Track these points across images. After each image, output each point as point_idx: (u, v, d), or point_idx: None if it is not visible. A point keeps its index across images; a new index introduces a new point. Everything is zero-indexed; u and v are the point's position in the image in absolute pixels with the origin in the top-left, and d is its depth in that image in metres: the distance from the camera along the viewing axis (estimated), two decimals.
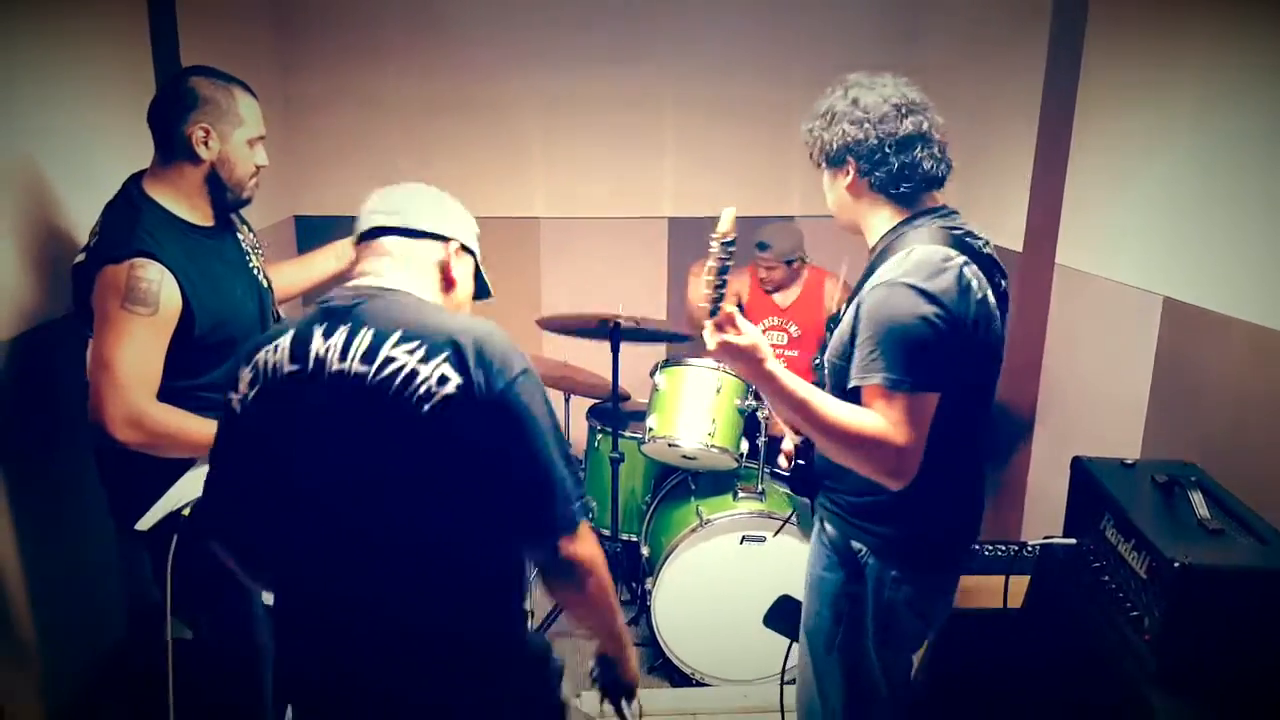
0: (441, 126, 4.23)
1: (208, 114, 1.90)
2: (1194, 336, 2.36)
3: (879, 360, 1.56)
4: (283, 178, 4.08)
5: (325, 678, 1.44)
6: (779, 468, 2.02)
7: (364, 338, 1.33)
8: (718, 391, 2.95)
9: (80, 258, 1.93)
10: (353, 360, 1.32)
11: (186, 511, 1.88)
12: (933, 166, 1.69)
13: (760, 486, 2.97)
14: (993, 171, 3.47)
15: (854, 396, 1.63)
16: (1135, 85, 2.63)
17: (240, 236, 2.12)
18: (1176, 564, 1.68)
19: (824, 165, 1.77)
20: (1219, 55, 2.28)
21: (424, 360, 1.30)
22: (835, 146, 1.70)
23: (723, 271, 1.51)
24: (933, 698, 2.09)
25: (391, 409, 1.29)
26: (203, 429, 1.87)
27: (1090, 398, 2.89)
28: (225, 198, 1.99)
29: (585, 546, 1.39)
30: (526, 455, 1.33)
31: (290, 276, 2.40)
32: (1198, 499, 1.91)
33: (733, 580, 2.86)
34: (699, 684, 2.96)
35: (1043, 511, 3.13)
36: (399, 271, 1.45)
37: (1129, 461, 2.15)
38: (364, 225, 1.50)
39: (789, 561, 2.80)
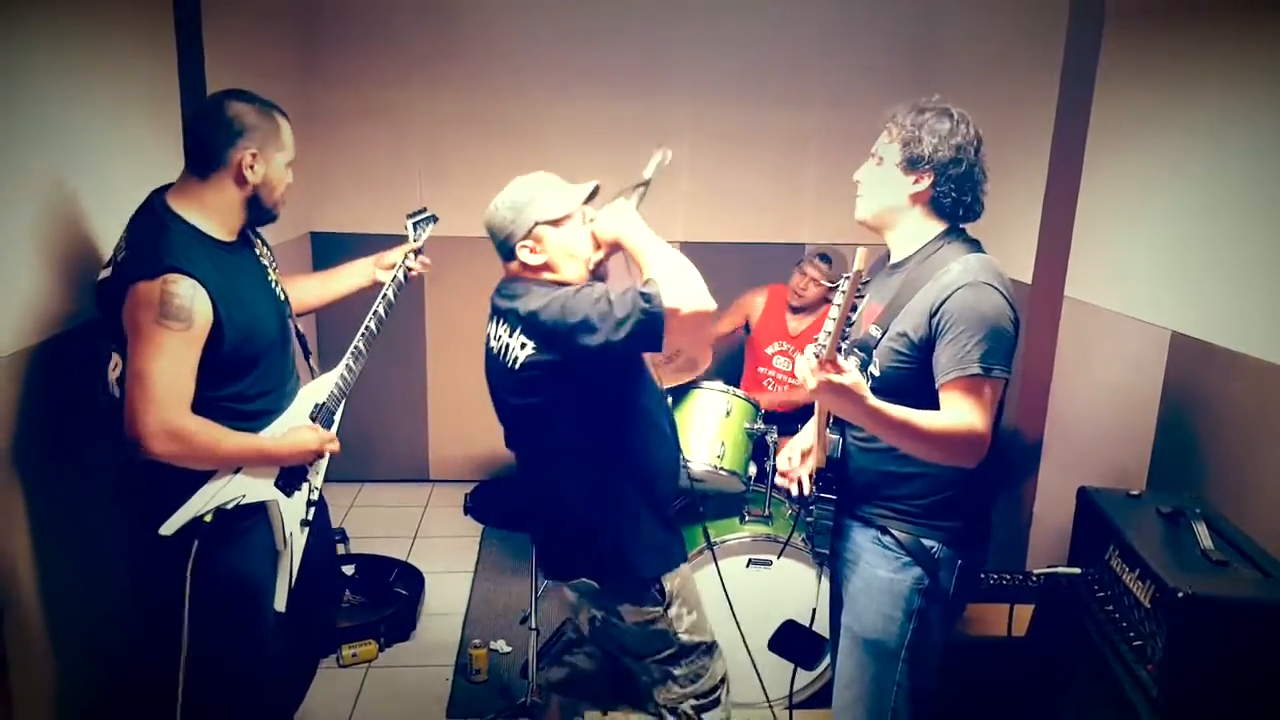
0: (460, 146, 4.29)
1: (256, 140, 1.97)
2: (1201, 371, 2.39)
3: (975, 350, 1.72)
4: (299, 193, 4.11)
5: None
6: (797, 493, 2.04)
7: (496, 327, 2.02)
8: (727, 414, 2.97)
9: (105, 274, 1.96)
10: (494, 341, 2.02)
11: (209, 518, 1.92)
12: (979, 204, 1.90)
13: (768, 510, 2.98)
14: (1003, 204, 3.48)
15: (915, 394, 1.76)
16: (1146, 121, 2.67)
17: (258, 251, 2.17)
18: (1180, 594, 1.70)
19: (898, 163, 1.85)
20: (1232, 91, 2.32)
21: (510, 334, 1.95)
22: (928, 155, 1.81)
23: (853, 310, 1.63)
24: None
25: (502, 370, 1.97)
26: (234, 442, 1.94)
27: (1097, 429, 2.91)
28: (260, 217, 2.07)
29: (684, 308, 1.82)
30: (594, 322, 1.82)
31: (313, 291, 2.44)
32: (1202, 530, 1.93)
33: (738, 604, 2.86)
34: None
35: (1048, 541, 3.14)
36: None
37: (1134, 493, 2.16)
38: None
39: (795, 586, 2.81)
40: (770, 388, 3.67)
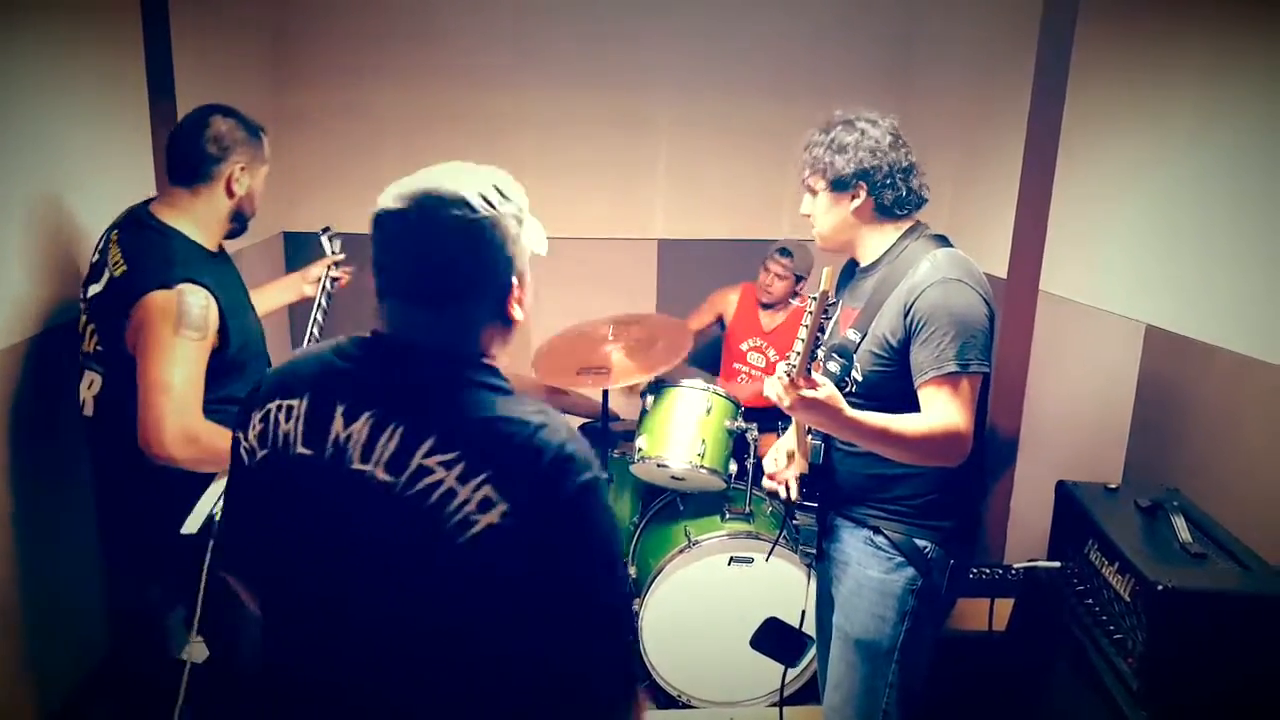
0: (433, 143, 4.25)
1: (243, 156, 2.06)
2: (1176, 364, 2.41)
3: (949, 348, 1.73)
4: (272, 193, 4.03)
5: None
6: (783, 498, 2.04)
7: (391, 437, 1.08)
8: (707, 412, 2.97)
9: (97, 288, 1.99)
10: (377, 465, 1.08)
11: (219, 515, 1.94)
12: (922, 189, 1.93)
13: (748, 508, 2.98)
14: (978, 198, 3.52)
15: (900, 395, 1.79)
16: (1120, 114, 2.69)
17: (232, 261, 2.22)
18: (1160, 587, 1.71)
19: (827, 189, 1.88)
20: (1206, 84, 2.34)
21: (461, 479, 1.05)
22: (849, 172, 1.84)
23: (820, 330, 1.61)
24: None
25: (422, 529, 1.06)
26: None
27: (1073, 423, 2.93)
28: (240, 228, 2.15)
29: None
30: (571, 596, 1.09)
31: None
32: (1180, 523, 1.95)
33: (720, 602, 2.87)
34: (685, 706, 2.96)
35: (1026, 535, 3.16)
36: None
37: (1112, 486, 2.18)
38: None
39: (777, 583, 2.81)
40: (744, 382, 3.67)
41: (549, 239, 1.34)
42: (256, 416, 1.18)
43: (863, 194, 1.86)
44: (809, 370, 1.63)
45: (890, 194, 1.86)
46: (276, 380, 1.20)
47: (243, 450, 1.20)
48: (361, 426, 1.10)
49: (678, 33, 4.20)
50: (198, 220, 2.05)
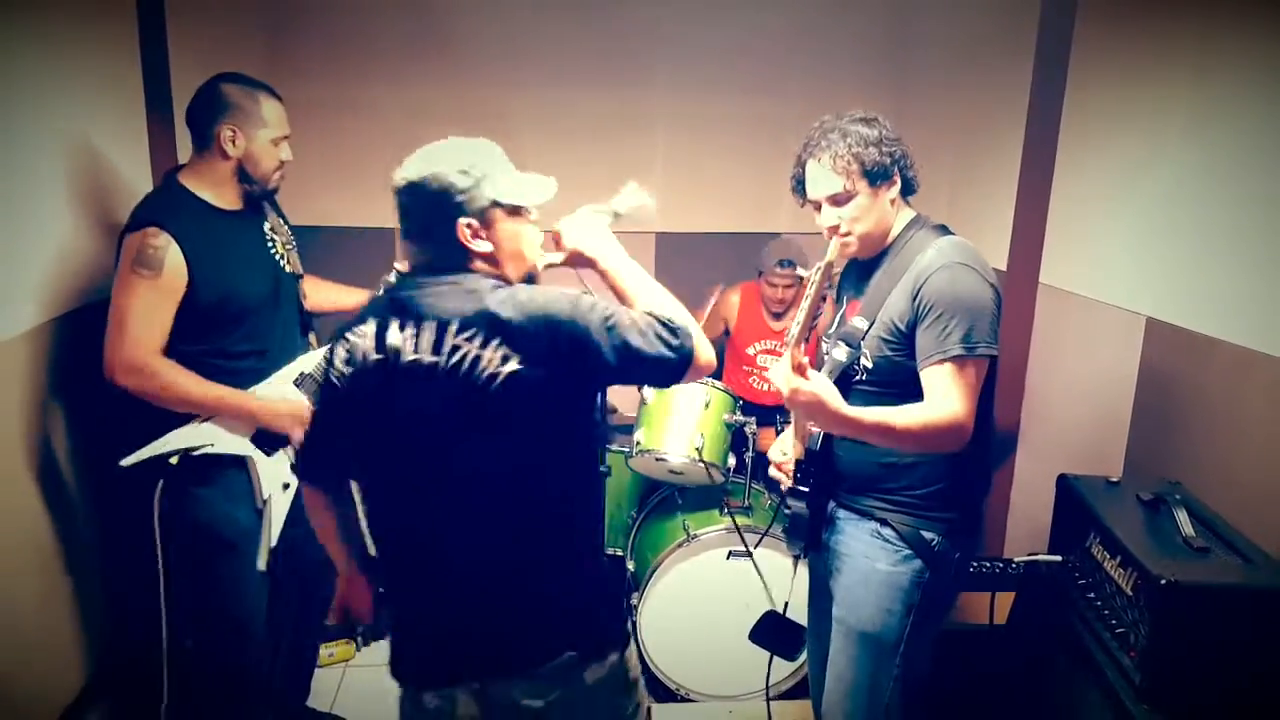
0: (432, 137, 4.21)
1: (234, 117, 2.14)
2: (1176, 356, 2.40)
3: (955, 331, 1.74)
4: None
5: (429, 597, 1.64)
6: (782, 486, 2.04)
7: (427, 332, 1.50)
8: (706, 406, 2.96)
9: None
10: (424, 352, 1.50)
11: (174, 460, 2.08)
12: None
13: (747, 502, 2.97)
14: (977, 190, 3.51)
15: (911, 380, 1.80)
16: (1120, 107, 2.67)
17: (269, 224, 2.34)
18: (1163, 581, 1.70)
19: (868, 186, 1.86)
20: (1205, 77, 2.32)
21: (482, 346, 1.48)
22: (887, 161, 1.85)
23: (822, 299, 1.64)
24: (919, 714, 2.10)
25: (464, 385, 1.48)
26: (199, 387, 2.09)
27: (1073, 416, 2.92)
28: (253, 187, 2.23)
29: (701, 358, 1.60)
30: (608, 352, 1.52)
31: (328, 295, 2.64)
32: (1182, 517, 1.94)
33: (719, 596, 2.86)
34: (684, 699, 2.95)
35: (1025, 528, 3.15)
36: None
37: (1114, 479, 2.17)
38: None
39: (776, 577, 2.81)
40: (759, 386, 3.65)
41: (549, 232, 1.70)
42: (341, 348, 1.57)
43: (897, 180, 1.89)
44: (808, 337, 1.65)
45: (911, 176, 1.92)
46: (356, 315, 1.60)
47: (333, 377, 1.58)
48: (409, 331, 1.51)
49: (675, 28, 4.17)
50: (204, 179, 2.17)
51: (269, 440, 2.20)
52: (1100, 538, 1.99)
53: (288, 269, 2.35)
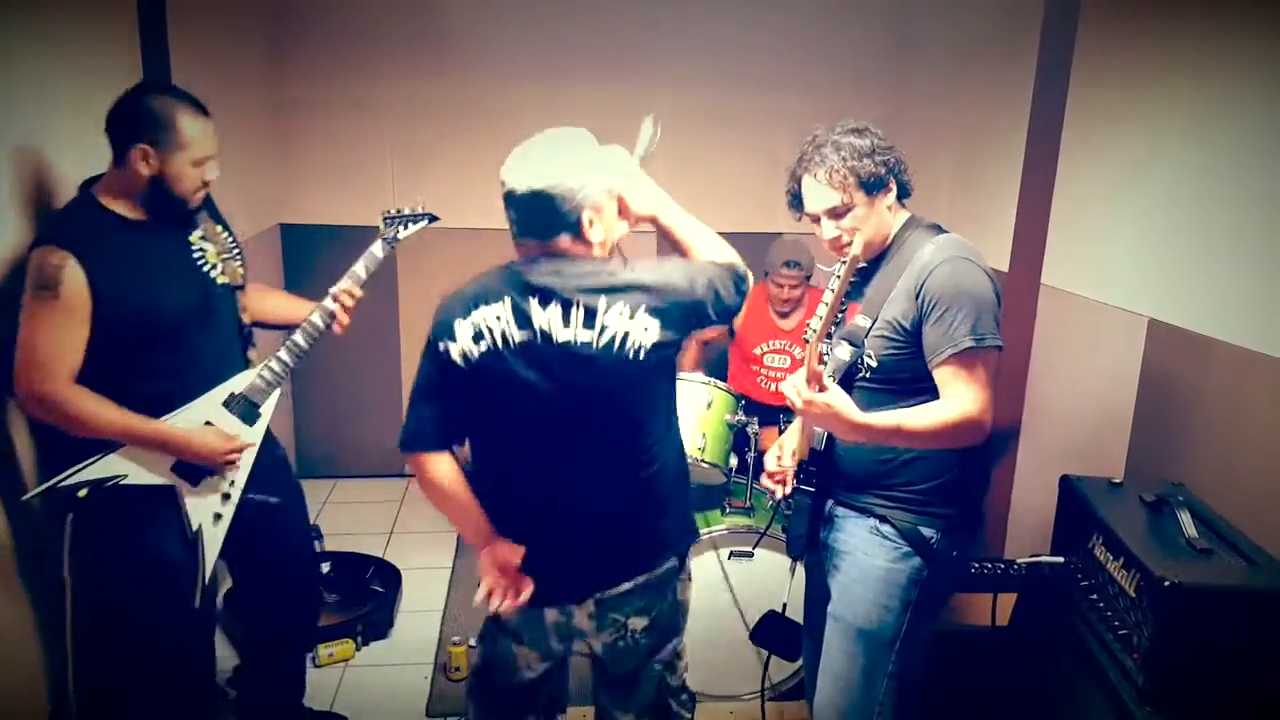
0: (432, 135, 4.22)
1: (149, 138, 1.97)
2: (1178, 357, 2.39)
3: (963, 324, 1.76)
4: (269, 185, 4.06)
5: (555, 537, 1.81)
6: (780, 496, 2.05)
7: (577, 311, 1.64)
8: (708, 406, 2.95)
9: None
10: (576, 330, 1.65)
11: (83, 493, 1.96)
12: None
13: (749, 502, 2.97)
14: (979, 191, 3.51)
15: (916, 377, 1.81)
16: (1122, 108, 2.67)
17: (198, 235, 2.17)
18: (1166, 583, 1.70)
19: (865, 196, 1.86)
20: (1208, 78, 2.32)
21: (630, 319, 1.64)
22: (882, 171, 1.85)
23: (846, 295, 1.69)
24: (920, 715, 2.10)
25: (619, 358, 1.65)
26: (109, 415, 1.95)
27: (1074, 417, 2.92)
28: (170, 205, 2.06)
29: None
30: (701, 291, 1.72)
31: (280, 307, 2.41)
32: (1185, 518, 1.94)
33: (720, 595, 2.86)
34: None
35: (1026, 529, 3.15)
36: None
37: (1116, 481, 2.17)
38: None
39: (777, 577, 2.80)
40: (766, 386, 3.64)
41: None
42: (462, 326, 1.67)
43: (893, 186, 1.89)
44: (829, 335, 1.67)
45: (906, 181, 1.93)
46: (463, 302, 1.69)
47: (454, 355, 1.68)
48: (555, 310, 1.65)
49: (676, 26, 4.17)
50: (119, 193, 2.02)
51: (192, 470, 2.08)
52: (1103, 539, 1.98)
53: (221, 281, 2.18)
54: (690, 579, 1.96)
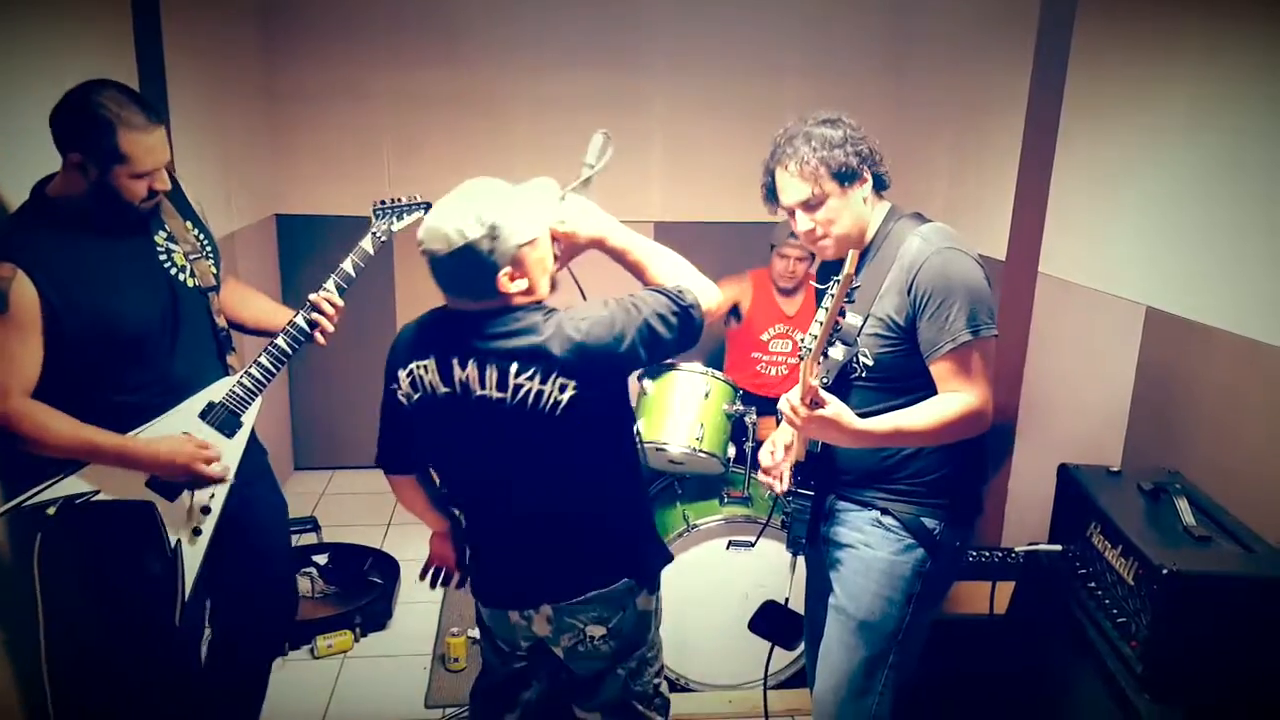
0: (427, 125, 4.21)
1: (84, 148, 1.81)
2: (1176, 346, 2.39)
3: (959, 317, 1.74)
4: (264, 175, 4.04)
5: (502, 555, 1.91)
6: (776, 492, 2.04)
7: (491, 372, 1.66)
8: (706, 396, 2.95)
9: None
10: (490, 389, 1.67)
11: (51, 511, 1.87)
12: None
13: (747, 492, 2.97)
14: (977, 180, 3.50)
15: (912, 373, 1.80)
16: (1120, 97, 2.66)
17: (163, 235, 2.03)
18: (1165, 570, 1.70)
19: (837, 187, 1.84)
20: (1206, 68, 2.32)
21: (542, 381, 1.65)
22: (855, 161, 1.82)
23: (841, 314, 1.64)
24: (919, 704, 2.11)
25: (530, 418, 1.66)
26: (70, 431, 1.84)
27: (1072, 406, 2.92)
28: (114, 212, 1.90)
29: (712, 312, 1.79)
30: (648, 317, 1.70)
31: (265, 311, 2.31)
32: (1183, 506, 1.94)
33: (718, 585, 2.86)
34: (683, 689, 2.96)
35: (1024, 518, 3.16)
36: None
37: (1114, 469, 2.17)
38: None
39: (775, 567, 2.80)
40: (768, 372, 3.64)
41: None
42: (403, 373, 1.76)
43: (867, 178, 1.86)
44: (825, 354, 1.65)
45: (883, 172, 1.90)
46: (406, 349, 1.77)
47: (400, 395, 1.77)
48: (471, 369, 1.68)
49: (674, 14, 4.15)
50: (71, 193, 1.88)
51: (168, 484, 1.97)
52: (1101, 527, 1.99)
53: (192, 283, 2.04)
54: (655, 592, 1.95)
